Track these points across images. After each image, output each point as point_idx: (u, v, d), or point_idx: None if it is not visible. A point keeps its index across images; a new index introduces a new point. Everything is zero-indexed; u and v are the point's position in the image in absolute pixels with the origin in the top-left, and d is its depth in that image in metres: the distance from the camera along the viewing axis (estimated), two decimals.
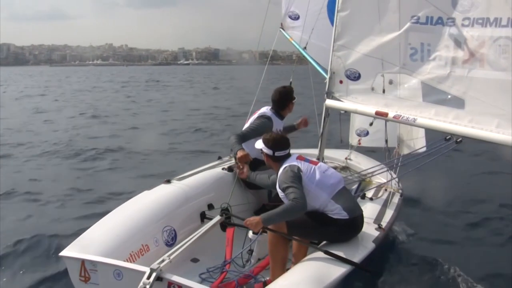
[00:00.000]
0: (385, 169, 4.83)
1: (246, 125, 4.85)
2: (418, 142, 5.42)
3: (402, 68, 4.20)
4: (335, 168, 5.18)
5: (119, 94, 30.66)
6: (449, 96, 3.89)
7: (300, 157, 3.76)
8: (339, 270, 3.21)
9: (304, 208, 3.41)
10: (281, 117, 4.88)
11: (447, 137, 3.84)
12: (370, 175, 4.89)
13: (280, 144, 3.79)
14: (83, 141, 12.31)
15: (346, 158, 5.71)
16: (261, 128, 4.59)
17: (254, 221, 3.44)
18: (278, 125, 4.81)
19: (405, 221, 5.45)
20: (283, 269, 3.54)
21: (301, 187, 3.49)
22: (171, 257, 3.28)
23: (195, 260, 4.11)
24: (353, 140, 6.17)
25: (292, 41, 6.21)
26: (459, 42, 3.80)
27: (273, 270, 3.60)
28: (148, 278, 2.97)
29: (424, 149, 4.87)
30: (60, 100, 26.54)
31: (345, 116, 5.81)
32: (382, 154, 5.59)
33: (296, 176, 3.54)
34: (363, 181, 4.95)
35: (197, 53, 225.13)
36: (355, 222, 3.60)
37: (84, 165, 9.74)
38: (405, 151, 5.50)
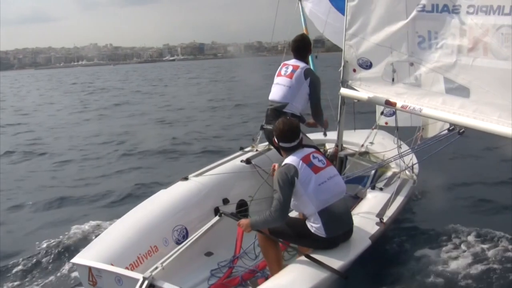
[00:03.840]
0: (398, 156, 4.79)
1: (285, 79, 4.72)
2: (438, 125, 5.27)
3: (410, 56, 4.17)
4: (352, 155, 5.24)
5: None
6: (456, 85, 3.85)
7: (306, 159, 3.55)
8: (325, 273, 3.23)
9: (281, 220, 3.46)
10: None
11: (450, 128, 3.84)
12: (385, 163, 4.89)
13: (284, 136, 3.64)
14: None
15: (364, 143, 5.57)
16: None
17: (245, 223, 3.64)
18: None
19: (408, 215, 5.32)
20: (279, 266, 3.61)
21: (288, 194, 3.45)
22: (164, 264, 3.35)
23: (209, 254, 4.21)
24: (380, 120, 6.10)
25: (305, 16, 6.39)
26: (464, 30, 3.72)
27: (270, 268, 3.73)
28: (141, 286, 3.10)
29: (446, 131, 4.77)
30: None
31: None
32: (408, 134, 5.55)
33: (287, 181, 3.44)
34: (380, 168, 4.97)
35: (182, 48, 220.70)
36: (332, 240, 3.53)
37: None
38: (430, 134, 5.44)
